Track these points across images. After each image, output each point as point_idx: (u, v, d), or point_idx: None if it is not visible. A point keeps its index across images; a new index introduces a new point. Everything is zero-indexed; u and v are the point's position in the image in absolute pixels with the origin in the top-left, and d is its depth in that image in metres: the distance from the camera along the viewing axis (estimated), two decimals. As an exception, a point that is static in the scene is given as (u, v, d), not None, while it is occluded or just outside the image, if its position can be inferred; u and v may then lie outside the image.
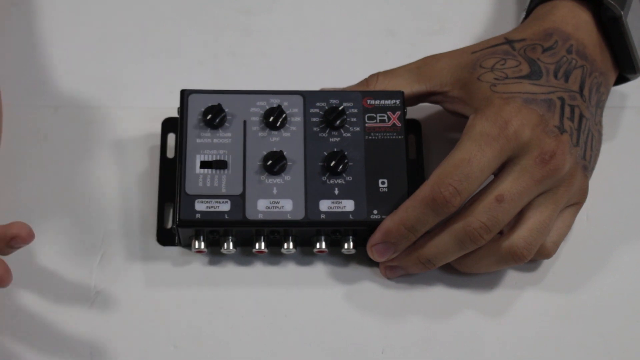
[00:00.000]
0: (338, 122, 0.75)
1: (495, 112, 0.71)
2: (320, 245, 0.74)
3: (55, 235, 0.76)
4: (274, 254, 0.75)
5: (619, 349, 0.73)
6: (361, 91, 0.76)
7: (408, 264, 0.73)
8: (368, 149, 0.75)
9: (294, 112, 0.75)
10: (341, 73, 0.80)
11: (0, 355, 0.71)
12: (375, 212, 0.73)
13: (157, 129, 0.79)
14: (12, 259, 0.74)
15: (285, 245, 0.74)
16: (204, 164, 0.73)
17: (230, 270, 0.75)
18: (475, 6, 0.87)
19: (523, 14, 0.79)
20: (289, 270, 0.75)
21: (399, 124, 0.75)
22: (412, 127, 0.80)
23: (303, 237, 0.74)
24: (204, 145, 0.74)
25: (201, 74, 0.83)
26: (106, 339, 0.72)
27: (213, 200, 0.72)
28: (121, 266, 0.75)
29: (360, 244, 0.74)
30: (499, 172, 0.72)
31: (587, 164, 0.74)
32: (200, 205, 0.72)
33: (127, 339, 0.72)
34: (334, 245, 0.75)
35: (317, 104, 0.76)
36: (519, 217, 0.72)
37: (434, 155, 0.79)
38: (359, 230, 0.73)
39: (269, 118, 0.74)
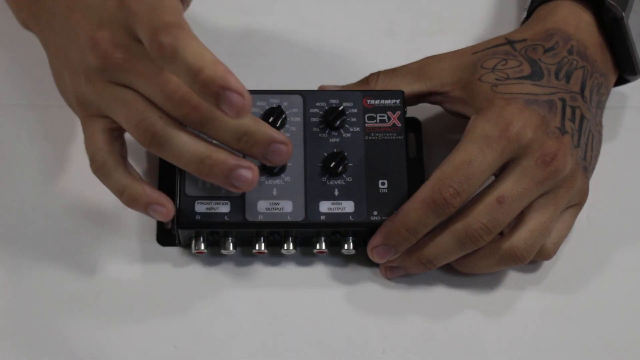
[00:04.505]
0: (338, 122, 0.75)
1: (497, 113, 0.71)
2: (320, 246, 0.74)
3: (55, 235, 0.76)
4: (274, 255, 0.75)
5: (619, 349, 0.73)
6: (361, 91, 0.76)
7: (408, 264, 0.73)
8: (368, 149, 0.74)
9: (294, 112, 0.75)
10: (341, 73, 0.79)
11: (0, 356, 0.71)
12: (375, 213, 0.73)
13: (157, 129, 0.78)
14: (13, 259, 0.74)
15: (285, 246, 0.74)
16: (204, 165, 0.73)
17: (230, 271, 0.75)
18: (475, 6, 0.87)
19: (524, 14, 0.79)
20: (289, 271, 0.75)
21: (399, 124, 0.75)
22: (412, 125, 0.79)
23: (303, 237, 0.74)
24: (204, 145, 0.74)
25: (201, 74, 0.82)
26: (106, 339, 0.72)
27: (213, 202, 0.72)
28: (121, 266, 0.75)
29: (360, 245, 0.74)
30: (500, 173, 0.72)
31: (587, 165, 0.74)
32: (200, 207, 0.72)
33: (127, 339, 0.72)
34: (334, 246, 0.75)
35: (317, 104, 0.76)
36: (519, 218, 0.72)
37: (434, 155, 0.79)
38: (359, 231, 0.73)
39: (269, 118, 0.74)
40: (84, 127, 0.72)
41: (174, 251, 0.76)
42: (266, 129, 0.68)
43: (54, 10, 0.73)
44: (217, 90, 0.63)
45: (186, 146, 0.68)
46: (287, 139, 0.69)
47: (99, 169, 0.71)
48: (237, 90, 0.63)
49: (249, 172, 0.68)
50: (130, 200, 0.70)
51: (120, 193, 0.71)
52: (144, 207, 0.70)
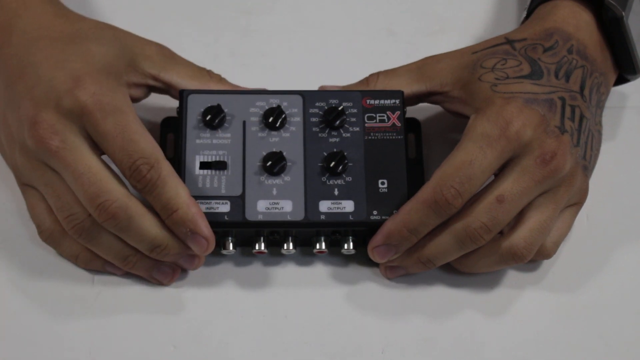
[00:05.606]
0: (337, 122, 0.75)
1: (497, 112, 0.71)
2: (320, 245, 0.74)
3: (56, 235, 0.76)
4: (274, 255, 0.75)
5: (619, 349, 0.73)
6: (361, 91, 0.76)
7: (408, 263, 0.73)
8: (368, 149, 0.74)
9: (294, 112, 0.75)
10: (341, 73, 0.79)
11: (0, 356, 0.71)
12: (375, 212, 0.73)
13: (157, 129, 0.78)
14: (14, 260, 0.74)
15: (285, 246, 0.74)
16: (204, 165, 0.73)
17: (230, 271, 0.75)
18: (475, 6, 0.87)
19: (524, 14, 0.79)
20: (289, 271, 0.75)
21: (398, 124, 0.75)
22: (412, 125, 0.79)
23: (303, 237, 0.74)
24: (204, 145, 0.74)
25: (201, 74, 0.82)
26: (106, 339, 0.72)
27: (213, 201, 0.72)
28: (121, 266, 0.75)
29: (360, 245, 0.74)
30: (500, 172, 0.72)
31: (587, 164, 0.74)
32: (199, 207, 0.72)
33: (127, 339, 0.72)
34: (334, 246, 0.75)
35: (317, 104, 0.76)
36: (519, 217, 0.72)
37: (434, 155, 0.79)
38: (359, 230, 0.73)
39: (269, 118, 0.74)
40: (22, 193, 0.74)
41: (173, 251, 0.76)
42: (176, 245, 0.71)
43: (7, 62, 0.73)
44: (186, 231, 0.70)
45: (113, 244, 0.72)
46: (204, 244, 0.71)
47: (48, 239, 0.73)
48: (204, 235, 0.70)
49: (169, 268, 0.73)
50: (85, 263, 0.74)
51: (75, 258, 0.74)
52: (100, 268, 0.74)
